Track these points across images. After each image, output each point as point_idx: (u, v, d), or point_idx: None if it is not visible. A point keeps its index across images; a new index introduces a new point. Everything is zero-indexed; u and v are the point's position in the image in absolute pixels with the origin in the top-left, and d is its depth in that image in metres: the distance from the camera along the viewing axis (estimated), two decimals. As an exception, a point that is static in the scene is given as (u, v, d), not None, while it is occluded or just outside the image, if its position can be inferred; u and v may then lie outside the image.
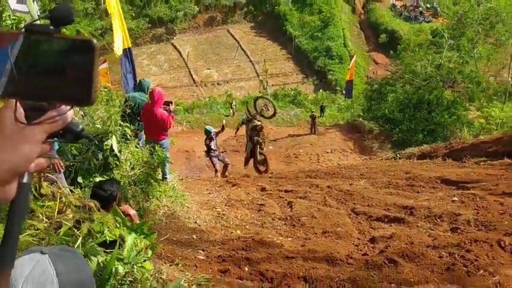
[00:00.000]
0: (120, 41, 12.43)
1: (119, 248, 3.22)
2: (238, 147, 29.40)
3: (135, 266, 3.25)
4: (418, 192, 11.56)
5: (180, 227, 8.25)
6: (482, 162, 14.72)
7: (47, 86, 1.03)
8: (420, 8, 57.69)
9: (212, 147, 18.53)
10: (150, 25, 54.53)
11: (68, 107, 1.05)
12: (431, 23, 50.68)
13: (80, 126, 1.12)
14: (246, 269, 6.36)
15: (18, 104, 1.02)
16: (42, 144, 1.04)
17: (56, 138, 1.08)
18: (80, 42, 1.03)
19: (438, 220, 8.98)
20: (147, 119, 9.91)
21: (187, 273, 5.83)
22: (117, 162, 6.90)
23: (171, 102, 10.52)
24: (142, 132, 10.55)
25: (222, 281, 5.89)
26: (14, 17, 6.43)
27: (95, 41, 1.03)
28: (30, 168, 1.04)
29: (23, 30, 1.02)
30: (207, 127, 20.35)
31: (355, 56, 39.75)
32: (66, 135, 1.09)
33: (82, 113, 7.24)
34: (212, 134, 18.68)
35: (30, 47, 1.02)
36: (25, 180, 1.06)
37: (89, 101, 1.02)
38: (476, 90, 30.11)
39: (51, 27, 1.03)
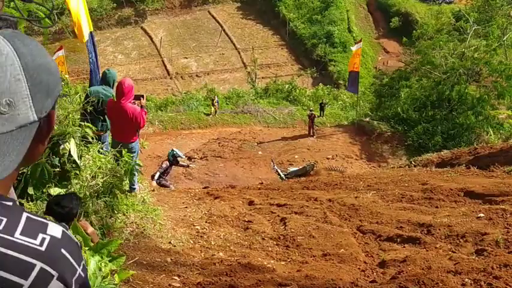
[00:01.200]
0: (86, 22, 12.27)
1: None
2: (221, 152, 29.43)
3: (98, 296, 3.26)
4: (437, 207, 11.62)
5: (151, 248, 8.24)
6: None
7: None
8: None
9: (167, 171, 19.10)
10: (115, 5, 54.20)
11: None
12: (453, 4, 50.98)
13: None
14: (231, 299, 6.37)
15: None
16: None
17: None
18: None
19: (461, 240, 9.04)
20: (114, 117, 9.80)
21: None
22: (77, 171, 6.87)
23: (142, 96, 10.47)
24: (107, 134, 10.49)
25: (201, 313, 5.91)
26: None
27: None
28: None
29: None
30: (175, 150, 20.43)
31: (360, 43, 39.50)
32: None
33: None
34: (179, 161, 19.46)
35: None
36: None
37: None
38: (507, 86, 30.22)
39: None
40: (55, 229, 1.34)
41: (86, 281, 1.45)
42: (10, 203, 1.34)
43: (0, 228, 1.27)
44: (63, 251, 1.34)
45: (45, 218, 1.39)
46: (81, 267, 1.40)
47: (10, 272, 1.23)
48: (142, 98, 10.29)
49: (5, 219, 1.30)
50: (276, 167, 23.24)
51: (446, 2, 53.73)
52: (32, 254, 1.27)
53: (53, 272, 1.29)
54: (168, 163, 19.34)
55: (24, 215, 1.35)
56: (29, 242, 1.29)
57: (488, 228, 9.52)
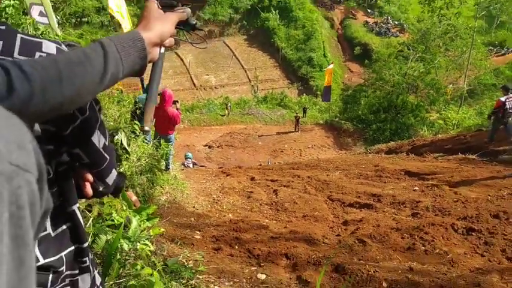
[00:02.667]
0: None
1: (125, 229, 3.22)
2: (232, 142, 29.43)
3: (138, 244, 3.26)
4: (384, 182, 11.62)
5: (180, 211, 8.24)
6: (439, 157, 14.82)
7: None
8: (389, 25, 57.75)
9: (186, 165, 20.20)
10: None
11: (187, 9, 1.42)
12: (399, 38, 50.77)
13: (195, 21, 1.48)
14: (236, 247, 6.36)
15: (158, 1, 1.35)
16: (174, 27, 1.36)
17: (181, 26, 1.43)
18: None
19: (401, 206, 9.03)
20: (158, 116, 9.89)
21: (185, 250, 5.83)
22: (127, 155, 6.87)
23: (177, 101, 10.68)
24: (149, 130, 10.52)
25: (215, 257, 5.90)
26: (37, 27, 6.37)
27: None
28: (166, 41, 1.33)
29: None
30: (188, 154, 22.24)
31: (332, 65, 39.85)
32: (186, 25, 1.45)
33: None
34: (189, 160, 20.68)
35: None
36: (162, 50, 1.36)
37: (203, 1, 1.54)
38: (436, 96, 30.29)
39: None
40: (50, 46, 1.23)
41: None
42: (3, 27, 1.20)
43: None
44: None
45: (38, 37, 1.26)
46: None
47: None
48: (177, 103, 10.47)
49: (1, 42, 1.16)
50: (269, 162, 23.18)
51: (394, 36, 53.56)
52: None
53: None
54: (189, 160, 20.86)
55: (19, 36, 1.21)
56: None
57: (421, 198, 9.51)
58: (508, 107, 13.24)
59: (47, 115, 0.99)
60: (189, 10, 1.41)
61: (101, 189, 1.45)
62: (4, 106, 0.73)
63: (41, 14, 7.13)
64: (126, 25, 12.02)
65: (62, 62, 1.00)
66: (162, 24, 1.29)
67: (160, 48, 1.32)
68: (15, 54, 1.17)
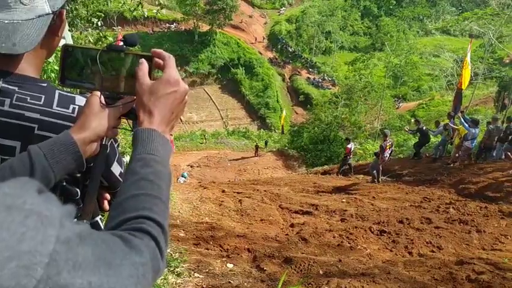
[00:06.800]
0: None
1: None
2: (208, 163, 29.22)
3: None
4: (321, 195, 11.70)
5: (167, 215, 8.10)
6: (361, 178, 15.02)
7: (120, 84, 1.09)
8: (324, 80, 58.67)
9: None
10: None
11: (134, 97, 1.08)
12: (331, 89, 51.62)
13: None
14: (211, 243, 6.30)
15: (102, 94, 1.08)
16: (116, 119, 1.10)
17: (125, 116, 1.13)
18: (143, 54, 1.06)
19: (333, 214, 9.10)
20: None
21: (172, 245, 5.74)
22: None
23: (171, 134, 10.55)
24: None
25: (195, 250, 5.82)
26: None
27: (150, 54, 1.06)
28: (107, 134, 1.09)
29: (105, 47, 1.07)
30: (184, 173, 22.36)
31: (284, 111, 41.07)
32: (130, 115, 1.12)
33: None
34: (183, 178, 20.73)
35: (110, 58, 1.07)
36: (104, 142, 1.11)
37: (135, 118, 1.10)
38: (358, 132, 30.79)
39: (124, 46, 1.07)
40: (81, 100, 1.18)
41: None
42: (45, 84, 1.18)
43: (41, 103, 1.13)
44: None
45: (72, 93, 1.22)
46: None
47: (54, 133, 1.09)
48: (171, 135, 10.34)
49: (43, 96, 1.14)
50: (236, 179, 23.12)
51: (328, 88, 54.56)
52: (67, 119, 1.15)
53: None
54: (183, 178, 20.81)
55: (57, 92, 1.18)
56: (64, 111, 1.16)
57: (347, 207, 9.61)
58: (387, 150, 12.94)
59: None
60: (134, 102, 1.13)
61: None
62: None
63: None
64: None
65: None
66: (100, 121, 1.06)
67: (103, 140, 1.11)
68: (54, 106, 1.15)
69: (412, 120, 18.25)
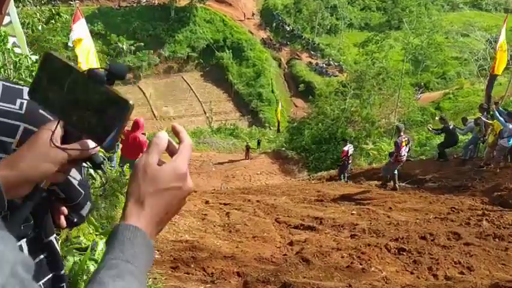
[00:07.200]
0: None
1: (92, 251, 3.15)
2: (189, 168, 29.15)
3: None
4: (326, 206, 11.71)
5: (140, 232, 8.07)
6: (374, 184, 15.05)
7: (85, 120, 1.01)
8: (329, 65, 58.74)
9: None
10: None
11: (94, 145, 1.02)
12: (338, 77, 51.69)
13: (101, 159, 1.10)
14: (192, 266, 6.29)
15: (58, 126, 1.02)
16: (63, 165, 1.03)
17: (84, 163, 1.07)
18: (121, 99, 0.99)
19: (341, 228, 9.12)
20: (128, 142, 9.73)
21: (145, 269, 5.72)
22: (93, 180, 6.74)
23: (144, 133, 10.56)
24: (115, 156, 10.33)
25: (172, 275, 5.81)
26: (16, 55, 6.17)
27: (131, 102, 0.99)
28: (47, 179, 1.04)
29: (85, 71, 1.00)
30: None
31: (280, 104, 41.36)
32: (88, 163, 1.07)
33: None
34: None
35: (85, 85, 0.99)
36: (42, 185, 1.06)
37: (104, 147, 1.02)
38: (372, 129, 30.78)
39: (106, 78, 0.99)
40: None
41: None
42: None
43: None
44: (40, 110, 1.18)
45: (20, 84, 1.19)
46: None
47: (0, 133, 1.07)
48: (144, 134, 10.35)
49: None
50: (223, 187, 23.05)
51: (334, 76, 54.61)
52: (14, 117, 1.12)
53: (36, 130, 1.09)
54: None
55: (0, 83, 1.16)
56: (9, 107, 1.13)
57: (358, 221, 9.64)
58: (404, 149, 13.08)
59: None
60: (96, 149, 1.05)
61: (75, 220, 1.42)
62: None
63: (14, 44, 6.96)
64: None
65: None
66: (36, 163, 0.99)
67: (39, 184, 1.05)
68: None
69: (437, 116, 18.33)
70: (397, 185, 13.59)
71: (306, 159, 29.94)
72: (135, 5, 60.33)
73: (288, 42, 64.14)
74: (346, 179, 17.47)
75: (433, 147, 19.73)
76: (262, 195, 14.14)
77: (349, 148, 17.70)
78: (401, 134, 12.89)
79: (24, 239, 1.21)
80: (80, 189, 1.35)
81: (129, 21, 55.82)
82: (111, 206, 7.57)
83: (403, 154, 12.92)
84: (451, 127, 15.74)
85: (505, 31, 16.62)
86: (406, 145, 12.89)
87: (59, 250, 1.37)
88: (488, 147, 14.09)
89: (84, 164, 1.11)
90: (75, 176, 1.33)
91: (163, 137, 0.99)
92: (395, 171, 13.50)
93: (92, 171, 6.24)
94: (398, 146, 12.79)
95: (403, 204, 11.19)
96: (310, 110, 38.17)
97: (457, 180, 13.35)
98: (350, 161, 17.96)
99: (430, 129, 17.81)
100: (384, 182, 13.77)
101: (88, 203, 1.44)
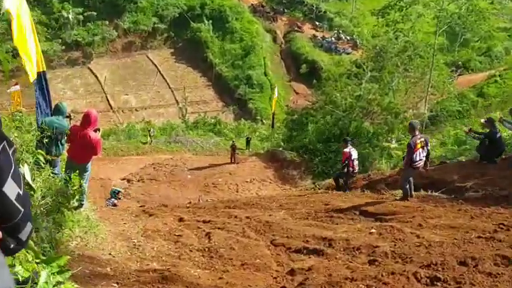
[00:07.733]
0: (35, 63, 11.47)
1: (33, 285, 3.14)
2: (156, 175, 29.13)
3: (47, 303, 3.17)
4: (336, 223, 11.72)
5: (93, 259, 8.06)
6: (398, 194, 15.05)
7: None
8: (340, 40, 58.83)
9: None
10: (64, 47, 53.32)
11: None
12: (351, 55, 51.82)
13: (12, 245, 1.21)
14: (163, 303, 6.30)
15: None
16: None
17: None
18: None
19: (356, 252, 9.13)
20: (76, 141, 9.71)
21: (99, 307, 5.73)
22: (31, 192, 6.69)
23: (99, 129, 10.50)
24: (59, 159, 10.29)
25: (136, 316, 5.82)
26: None
27: None
28: None
29: None
30: (115, 188, 22.53)
31: (276, 89, 40.59)
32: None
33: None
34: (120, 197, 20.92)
35: None
36: None
37: None
38: (395, 122, 30.74)
39: None
40: None
41: None
42: None
43: None
44: None
45: None
46: None
47: None
48: (98, 131, 10.30)
49: None
50: (201, 200, 23.05)
51: (345, 53, 54.73)
52: None
53: None
54: (113, 200, 20.91)
55: None
56: None
57: (379, 242, 9.66)
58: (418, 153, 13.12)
59: None
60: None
61: (11, 246, 1.41)
62: None
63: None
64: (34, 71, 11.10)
65: None
66: None
67: None
68: None
69: (482, 119, 18.21)
70: (410, 195, 13.65)
71: (310, 163, 29.96)
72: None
73: (286, 10, 64.19)
74: (346, 189, 17.44)
75: (473, 146, 19.73)
76: (253, 209, 14.13)
77: (351, 150, 17.46)
78: (416, 133, 12.92)
79: None
80: (17, 205, 1.34)
81: (75, -17, 55.69)
82: (55, 225, 7.54)
83: (417, 159, 12.95)
84: (497, 133, 15.59)
85: None
86: (422, 147, 12.93)
87: None
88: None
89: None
90: (12, 188, 1.32)
91: None
92: (411, 178, 13.55)
93: (29, 178, 6.23)
94: (411, 149, 12.82)
95: (436, 220, 11.21)
96: (314, 98, 38.17)
97: (505, 189, 13.39)
98: (356, 169, 17.73)
99: (467, 131, 17.76)
100: (405, 196, 13.76)
101: (28, 223, 1.43)
